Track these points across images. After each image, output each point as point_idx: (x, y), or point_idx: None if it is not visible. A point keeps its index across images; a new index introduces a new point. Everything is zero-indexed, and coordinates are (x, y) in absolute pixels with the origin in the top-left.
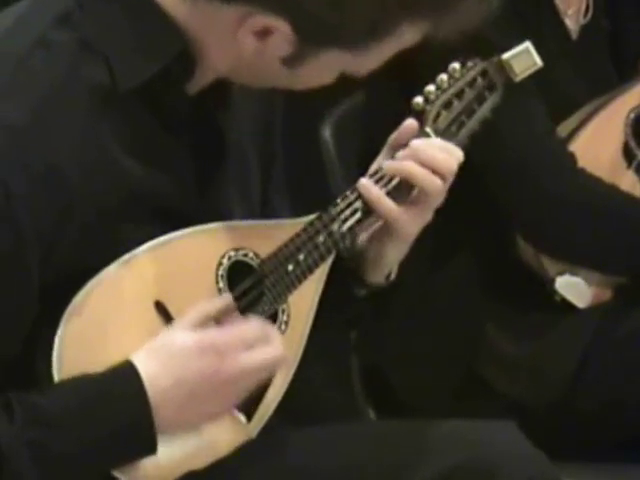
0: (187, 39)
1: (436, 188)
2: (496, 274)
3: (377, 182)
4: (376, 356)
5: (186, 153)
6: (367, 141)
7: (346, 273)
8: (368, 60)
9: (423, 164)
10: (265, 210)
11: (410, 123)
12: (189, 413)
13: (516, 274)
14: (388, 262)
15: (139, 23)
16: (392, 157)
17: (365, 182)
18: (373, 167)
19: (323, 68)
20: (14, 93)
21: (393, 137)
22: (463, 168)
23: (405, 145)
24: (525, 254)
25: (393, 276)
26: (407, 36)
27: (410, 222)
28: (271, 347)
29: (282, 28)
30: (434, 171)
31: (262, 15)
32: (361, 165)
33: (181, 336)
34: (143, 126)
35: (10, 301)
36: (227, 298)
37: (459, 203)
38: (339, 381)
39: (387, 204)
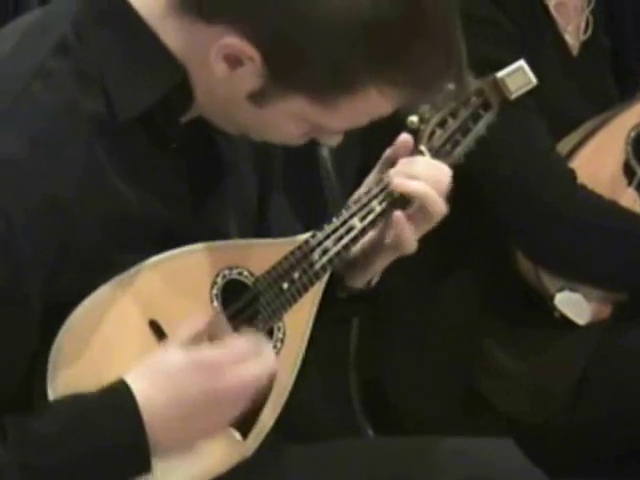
0: (183, 66)
1: (442, 210)
2: (495, 290)
3: (375, 197)
4: (374, 372)
5: (183, 177)
6: (365, 159)
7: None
8: (337, 118)
9: (431, 186)
10: (261, 229)
11: (405, 138)
12: (183, 432)
13: (515, 290)
14: (373, 270)
15: (136, 52)
16: (385, 172)
17: (399, 215)
18: (367, 183)
19: (289, 115)
20: (13, 123)
21: (388, 152)
22: (462, 184)
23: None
24: (524, 270)
25: (374, 282)
26: (376, 102)
27: (416, 242)
28: (263, 359)
29: (254, 58)
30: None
31: (237, 38)
32: (359, 182)
33: (173, 355)
34: (139, 153)
35: (9, 335)
36: (217, 312)
37: (458, 218)
38: (337, 397)
39: (410, 229)
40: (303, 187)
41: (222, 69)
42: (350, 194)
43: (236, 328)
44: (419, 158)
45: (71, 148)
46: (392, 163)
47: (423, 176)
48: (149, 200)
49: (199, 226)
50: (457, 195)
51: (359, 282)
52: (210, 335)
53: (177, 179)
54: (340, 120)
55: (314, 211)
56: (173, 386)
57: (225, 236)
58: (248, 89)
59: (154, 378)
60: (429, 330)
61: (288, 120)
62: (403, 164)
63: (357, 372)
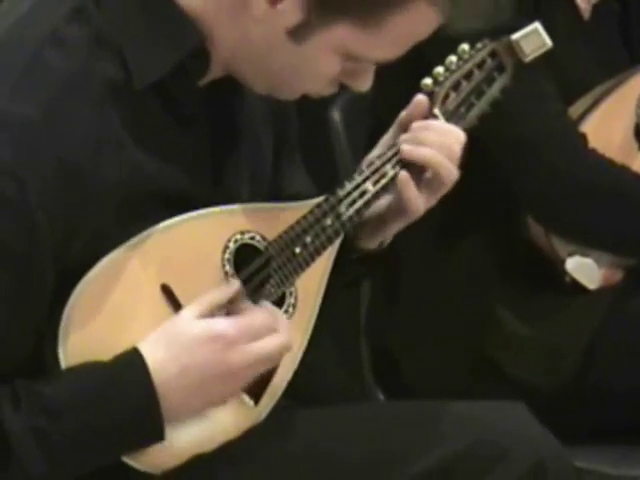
0: (201, 30)
1: (453, 177)
2: (506, 255)
3: (387, 162)
4: (385, 338)
5: (199, 143)
6: (376, 123)
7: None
8: (380, 44)
9: (441, 152)
10: (275, 191)
11: (419, 100)
12: (195, 400)
13: (526, 255)
14: (385, 234)
15: (155, 17)
16: (399, 136)
17: (404, 174)
18: (381, 145)
19: (329, 49)
20: (27, 89)
21: (403, 115)
22: (473, 149)
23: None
24: (535, 235)
25: (386, 244)
26: (423, 18)
27: (422, 205)
28: (278, 336)
29: None
30: (450, 158)
31: None
32: (370, 147)
33: (189, 325)
34: (156, 119)
35: (24, 300)
36: (236, 285)
37: (469, 184)
38: (348, 363)
39: (412, 188)
40: (313, 151)
41: (261, 6)
42: (361, 158)
43: (248, 293)
44: (431, 123)
45: (86, 114)
46: (406, 126)
47: (433, 143)
48: (168, 169)
49: (217, 193)
50: (469, 160)
51: (371, 244)
52: (227, 307)
53: (196, 147)
54: (383, 46)
55: (324, 175)
56: (187, 355)
57: (238, 201)
58: (289, 24)
59: (168, 346)
60: (440, 297)
61: (327, 56)
62: (415, 130)
63: (368, 338)
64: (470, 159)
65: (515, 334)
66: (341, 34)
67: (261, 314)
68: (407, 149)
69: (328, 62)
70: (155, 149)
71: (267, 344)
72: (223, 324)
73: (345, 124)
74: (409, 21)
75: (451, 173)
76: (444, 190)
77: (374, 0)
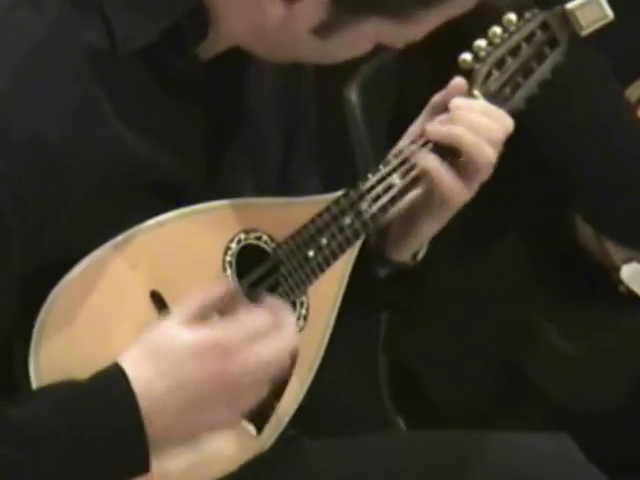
0: None
1: (488, 160)
2: (549, 260)
3: (418, 151)
4: (406, 354)
5: (196, 125)
6: (398, 105)
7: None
8: (411, 30)
9: (473, 131)
10: (283, 186)
11: (458, 82)
12: (188, 423)
13: (573, 261)
14: (418, 239)
15: None
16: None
17: (419, 149)
18: (409, 134)
19: (359, 38)
20: None
21: (437, 98)
22: (515, 135)
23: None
24: (585, 237)
25: (421, 255)
26: (458, 5)
27: (457, 196)
28: (283, 334)
29: None
30: (486, 140)
31: None
32: (392, 132)
33: (178, 333)
34: (146, 94)
35: None
36: (229, 282)
37: (506, 177)
38: (364, 384)
39: (448, 175)
40: (326, 137)
41: (277, 7)
42: (382, 146)
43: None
44: (466, 101)
45: (63, 84)
46: (440, 112)
47: (466, 121)
48: (157, 149)
49: (214, 184)
50: (509, 148)
51: (403, 254)
52: (221, 310)
53: (192, 128)
54: (417, 30)
55: (338, 165)
56: (176, 370)
57: (239, 194)
58: (312, 24)
59: (153, 360)
60: (470, 307)
61: (356, 43)
62: (449, 110)
63: (387, 354)
64: (507, 148)
65: (558, 352)
66: (370, 27)
67: (259, 311)
68: (432, 128)
69: (356, 48)
70: (143, 128)
71: (270, 346)
72: (215, 329)
73: (363, 106)
74: (444, 10)
75: (486, 155)
76: (481, 177)
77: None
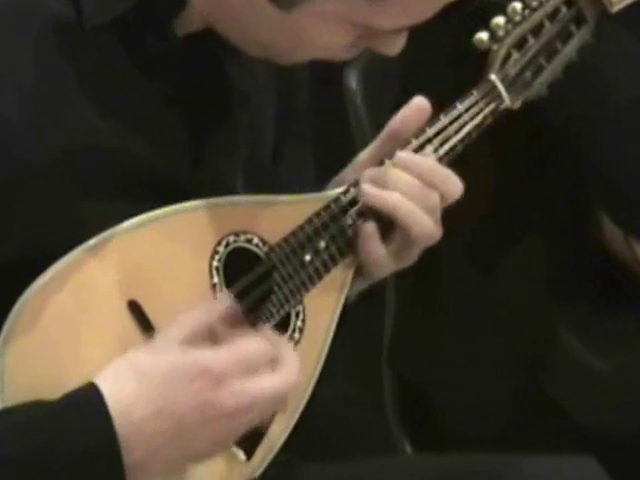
0: None
1: (426, 232)
2: (573, 265)
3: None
4: (414, 369)
5: (177, 109)
6: (404, 91)
7: None
8: (390, 11)
9: (412, 199)
10: (276, 171)
11: (421, 105)
12: (169, 454)
13: (600, 266)
14: (374, 276)
15: None
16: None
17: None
18: (357, 163)
19: (327, 18)
20: None
21: (394, 125)
22: (530, 127)
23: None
24: (613, 241)
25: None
26: None
27: (386, 266)
28: (282, 372)
29: None
30: (425, 209)
31: None
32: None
33: (165, 355)
34: (118, 73)
35: None
36: (227, 301)
37: (523, 175)
38: (366, 403)
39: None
40: (324, 128)
41: None
42: None
43: (246, 316)
44: (414, 160)
45: (21, 58)
46: (397, 139)
47: (405, 186)
48: (131, 136)
49: (198, 178)
50: (524, 143)
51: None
52: (214, 331)
53: (169, 111)
54: (394, 13)
55: (338, 159)
56: (160, 394)
57: (231, 190)
58: None
59: (135, 383)
60: (485, 317)
61: (328, 25)
62: (395, 161)
63: (391, 370)
64: (526, 141)
65: (583, 367)
66: (335, 3)
67: (258, 342)
68: (369, 192)
69: (332, 31)
70: (114, 111)
71: (267, 382)
72: (209, 355)
73: (364, 94)
74: None
75: (425, 228)
76: (415, 250)
77: None
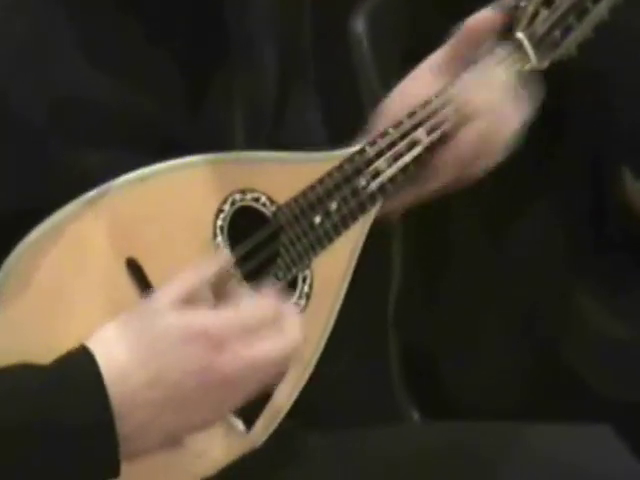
0: None
1: (489, 165)
2: (593, 229)
3: (449, 103)
4: (421, 334)
5: (170, 55)
6: (415, 37)
7: None
8: None
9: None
10: (281, 133)
11: (488, 15)
12: (165, 423)
13: (622, 229)
14: (392, 206)
15: None
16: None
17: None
18: (428, 66)
19: None
20: None
21: (472, 23)
22: (553, 87)
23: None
24: (636, 198)
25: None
26: None
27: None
28: (285, 336)
29: None
30: None
31: None
32: (404, 68)
33: (163, 316)
34: (107, 17)
35: None
36: (224, 257)
37: (543, 134)
38: (371, 369)
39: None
40: (327, 77)
41: None
42: (393, 86)
43: (246, 276)
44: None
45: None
46: (472, 43)
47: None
48: (123, 85)
49: (196, 127)
50: (545, 102)
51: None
52: (214, 290)
53: (163, 58)
54: None
55: (342, 111)
56: (157, 359)
57: (229, 142)
58: None
59: (130, 345)
60: (499, 280)
61: None
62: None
63: (398, 334)
64: (547, 101)
65: (604, 336)
66: None
67: (262, 305)
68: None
69: None
70: (105, 56)
71: (269, 347)
72: (209, 317)
73: (371, 39)
74: None
75: (491, 161)
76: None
77: None
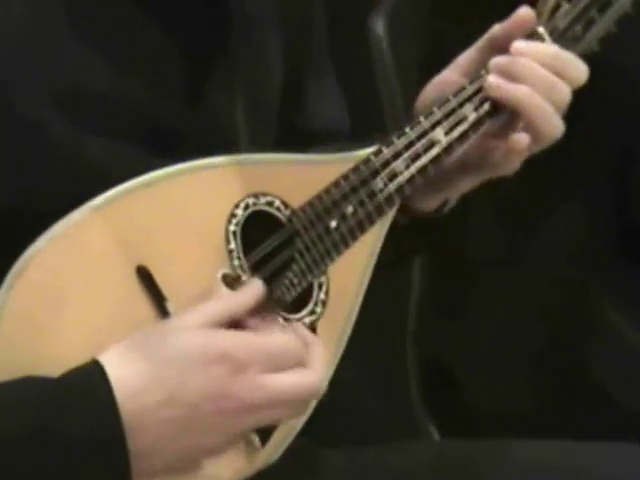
0: None
1: (555, 131)
2: (622, 233)
3: (468, 100)
4: (441, 347)
5: (171, 45)
6: (435, 39)
7: None
8: None
9: (542, 94)
10: (289, 125)
11: (525, 14)
12: (180, 446)
13: None
14: (449, 193)
15: None
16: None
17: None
18: (455, 67)
19: None
20: None
21: (497, 30)
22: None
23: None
24: None
25: (448, 208)
26: None
27: (512, 164)
28: (310, 375)
29: None
30: (556, 106)
31: None
32: (426, 72)
33: (184, 335)
34: (106, 7)
35: None
36: (259, 288)
37: (571, 133)
38: (389, 384)
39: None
40: (346, 75)
41: None
42: (413, 86)
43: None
44: (536, 48)
45: None
46: (499, 47)
47: (534, 78)
48: (119, 72)
49: (195, 121)
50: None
51: (430, 205)
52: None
53: (164, 50)
54: None
55: (361, 106)
56: (175, 377)
57: (231, 133)
58: None
59: (147, 362)
60: (519, 290)
61: None
62: (512, 54)
63: (417, 348)
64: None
65: (629, 344)
66: None
67: (289, 337)
68: (495, 83)
69: None
70: (101, 40)
71: (294, 380)
72: (234, 340)
73: (391, 39)
74: None
75: (553, 126)
76: (540, 147)
77: None
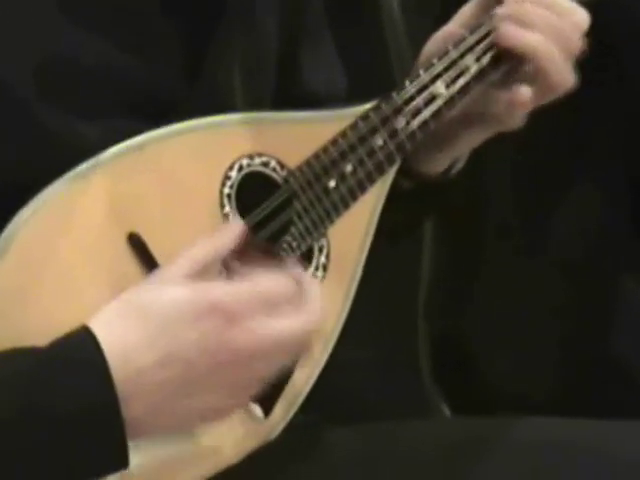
0: None
1: (566, 79)
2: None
3: (470, 50)
4: (453, 323)
5: (166, 18)
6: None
7: None
8: None
9: (554, 40)
10: (285, 89)
11: None
12: (175, 409)
13: None
14: (456, 152)
15: None
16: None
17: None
18: (457, 21)
19: None
20: None
21: None
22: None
23: None
24: None
25: (456, 170)
26: None
27: (523, 112)
28: (306, 313)
29: None
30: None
31: None
32: (434, 29)
33: (171, 291)
34: None
35: None
36: (238, 227)
37: (589, 96)
38: (399, 360)
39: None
40: (355, 38)
41: None
42: (422, 40)
43: (263, 249)
44: None
45: None
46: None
47: (544, 25)
48: (116, 46)
49: (196, 92)
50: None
51: (436, 167)
52: (228, 264)
53: (160, 23)
54: None
55: (369, 67)
56: (167, 337)
57: (229, 105)
58: None
59: (136, 324)
60: (539, 269)
61: None
62: (516, 2)
63: (429, 325)
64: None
65: None
66: None
67: (279, 277)
68: (505, 31)
69: None
70: (99, 22)
71: (288, 323)
72: (224, 289)
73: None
74: None
75: (565, 75)
76: (550, 98)
77: None
